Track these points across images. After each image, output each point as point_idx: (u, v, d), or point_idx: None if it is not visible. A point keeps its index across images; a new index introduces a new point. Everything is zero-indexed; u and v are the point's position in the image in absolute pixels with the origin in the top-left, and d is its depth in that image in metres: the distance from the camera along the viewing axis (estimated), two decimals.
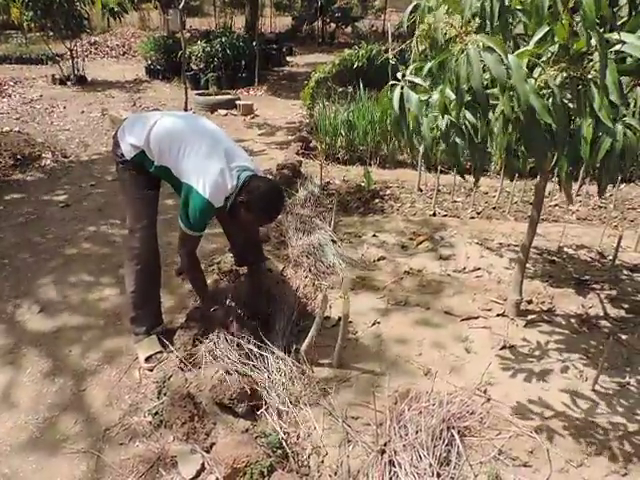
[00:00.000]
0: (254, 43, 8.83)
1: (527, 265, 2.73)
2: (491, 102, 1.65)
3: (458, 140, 1.77)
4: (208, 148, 2.11)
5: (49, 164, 4.88)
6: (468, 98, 1.65)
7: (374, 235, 3.57)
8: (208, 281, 2.73)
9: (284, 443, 1.85)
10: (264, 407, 1.99)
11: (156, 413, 2.01)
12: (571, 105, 1.64)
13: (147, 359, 2.31)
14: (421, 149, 1.87)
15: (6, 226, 3.60)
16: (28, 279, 2.97)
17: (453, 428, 1.87)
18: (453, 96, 1.59)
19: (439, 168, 4.09)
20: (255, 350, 2.20)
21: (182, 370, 2.15)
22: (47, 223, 3.67)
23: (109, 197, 4.15)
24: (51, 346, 2.45)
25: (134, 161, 2.25)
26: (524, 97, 1.42)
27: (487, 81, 1.63)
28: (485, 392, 2.16)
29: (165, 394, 2.03)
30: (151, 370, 2.27)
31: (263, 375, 2.11)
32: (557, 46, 1.61)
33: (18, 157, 4.84)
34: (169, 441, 1.91)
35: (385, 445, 1.79)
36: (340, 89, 5.47)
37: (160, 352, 2.33)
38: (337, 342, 2.24)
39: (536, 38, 1.58)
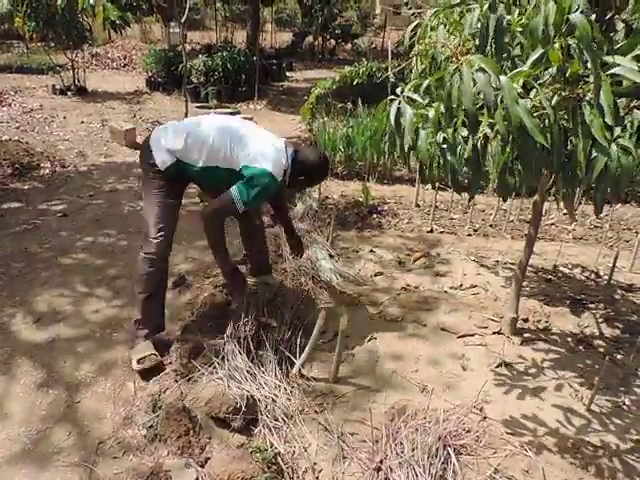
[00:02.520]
0: (255, 58, 8.92)
1: (523, 283, 2.75)
2: (490, 121, 1.69)
3: (449, 157, 1.81)
4: (254, 135, 2.35)
5: (48, 174, 4.89)
6: (462, 117, 1.68)
7: (371, 251, 3.58)
8: (205, 294, 2.75)
9: (279, 459, 1.84)
10: (260, 422, 1.98)
11: (150, 426, 1.99)
12: (567, 125, 1.67)
13: (139, 360, 2.30)
14: (417, 165, 1.89)
15: (3, 235, 3.59)
16: (24, 289, 2.96)
17: (449, 446, 1.87)
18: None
19: (437, 185, 4.13)
20: (251, 364, 2.20)
21: (177, 382, 2.14)
22: (44, 233, 3.66)
23: (107, 208, 4.15)
24: (45, 357, 2.43)
25: (169, 171, 2.32)
26: (515, 118, 1.46)
27: (482, 101, 1.67)
28: (481, 410, 2.16)
29: (160, 407, 2.02)
30: (143, 379, 2.26)
31: (259, 390, 2.10)
32: (555, 68, 1.65)
33: (17, 166, 4.84)
34: (163, 455, 1.89)
35: (381, 462, 1.79)
36: (340, 105, 5.52)
37: (153, 354, 2.32)
38: (334, 357, 2.24)
39: (531, 60, 1.61)
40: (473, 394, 2.21)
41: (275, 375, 2.19)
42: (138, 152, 5.54)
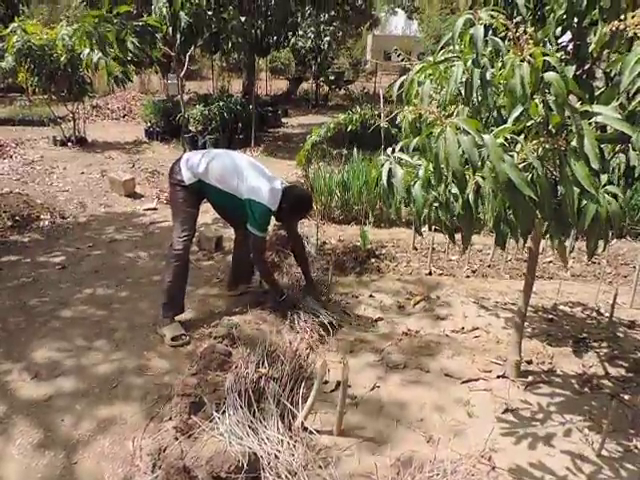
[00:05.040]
0: (250, 106, 9.16)
1: (525, 324, 2.74)
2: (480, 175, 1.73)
3: (441, 214, 1.85)
4: (257, 174, 3.01)
5: (47, 225, 4.92)
6: (450, 176, 1.73)
7: (371, 295, 3.57)
8: (205, 344, 2.73)
9: None
10: None
11: None
12: (556, 174, 1.71)
13: (173, 338, 2.89)
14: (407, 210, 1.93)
15: (2, 289, 3.58)
16: (22, 343, 2.92)
17: None
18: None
19: (433, 227, 4.16)
20: (252, 418, 2.15)
21: (177, 440, 2.09)
22: (43, 285, 3.66)
23: (106, 259, 4.16)
24: (43, 415, 2.38)
25: (192, 186, 2.99)
26: (502, 175, 1.50)
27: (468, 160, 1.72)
28: (489, 459, 2.11)
29: (160, 467, 1.97)
30: (175, 346, 2.87)
31: (261, 445, 2.05)
32: (538, 120, 1.70)
33: (17, 218, 4.88)
34: None
35: None
36: (335, 151, 5.63)
37: (184, 335, 2.92)
38: (337, 409, 2.20)
39: (513, 117, 1.67)
40: (480, 442, 2.16)
41: (277, 429, 2.14)
42: (137, 201, 5.58)
